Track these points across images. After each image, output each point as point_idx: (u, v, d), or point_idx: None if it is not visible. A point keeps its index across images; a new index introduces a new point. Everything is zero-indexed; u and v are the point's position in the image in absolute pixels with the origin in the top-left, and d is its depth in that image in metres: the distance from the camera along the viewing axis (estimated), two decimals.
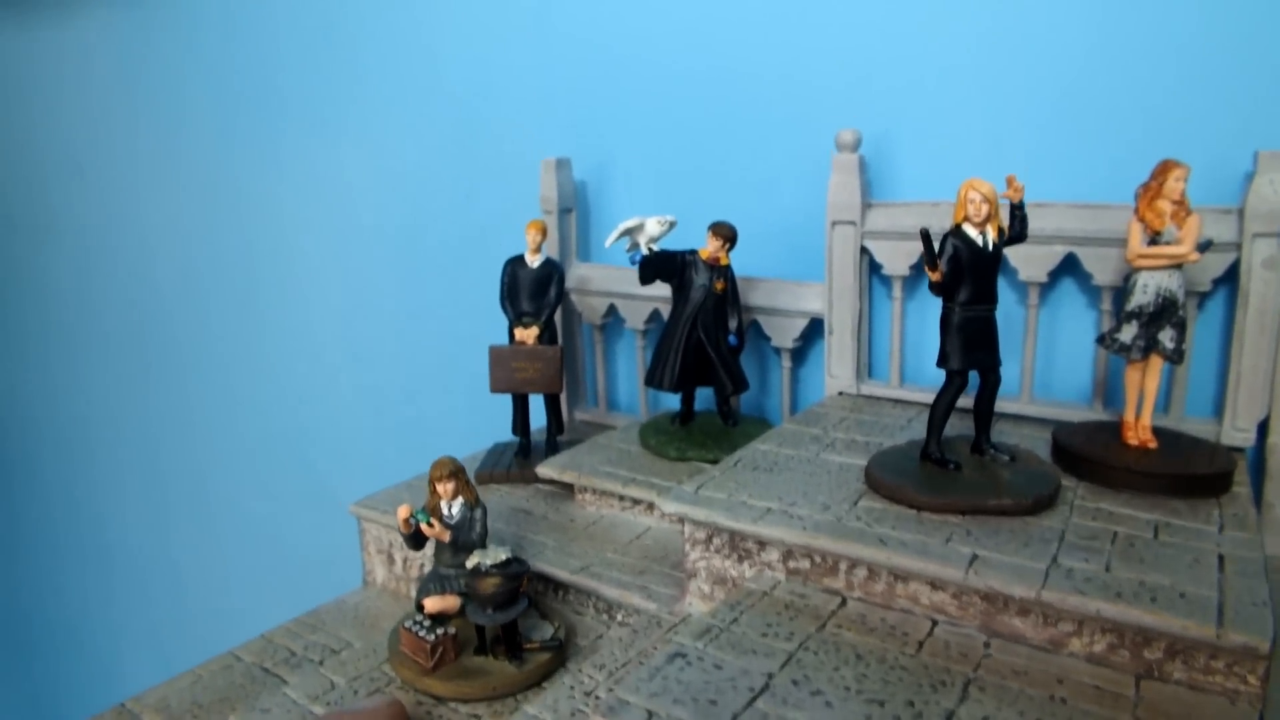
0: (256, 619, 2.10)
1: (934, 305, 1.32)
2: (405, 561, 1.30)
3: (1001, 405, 1.09)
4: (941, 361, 1.00)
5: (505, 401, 1.49)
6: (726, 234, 1.32)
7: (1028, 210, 1.01)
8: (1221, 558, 0.85)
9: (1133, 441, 1.06)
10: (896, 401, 1.34)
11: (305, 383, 2.33)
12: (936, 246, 0.96)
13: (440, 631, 0.99)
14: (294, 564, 2.47)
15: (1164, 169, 1.00)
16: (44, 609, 3.44)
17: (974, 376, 1.01)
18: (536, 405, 1.50)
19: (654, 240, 1.34)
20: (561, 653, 1.02)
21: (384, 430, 2.18)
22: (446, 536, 1.04)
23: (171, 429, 2.75)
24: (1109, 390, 1.23)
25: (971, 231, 0.96)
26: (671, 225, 1.34)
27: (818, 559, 0.91)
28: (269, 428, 2.46)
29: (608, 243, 1.34)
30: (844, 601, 0.89)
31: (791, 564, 0.93)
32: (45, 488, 3.28)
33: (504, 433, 1.55)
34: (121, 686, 3.10)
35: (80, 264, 2.86)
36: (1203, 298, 1.16)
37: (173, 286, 2.59)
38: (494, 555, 0.98)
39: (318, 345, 2.27)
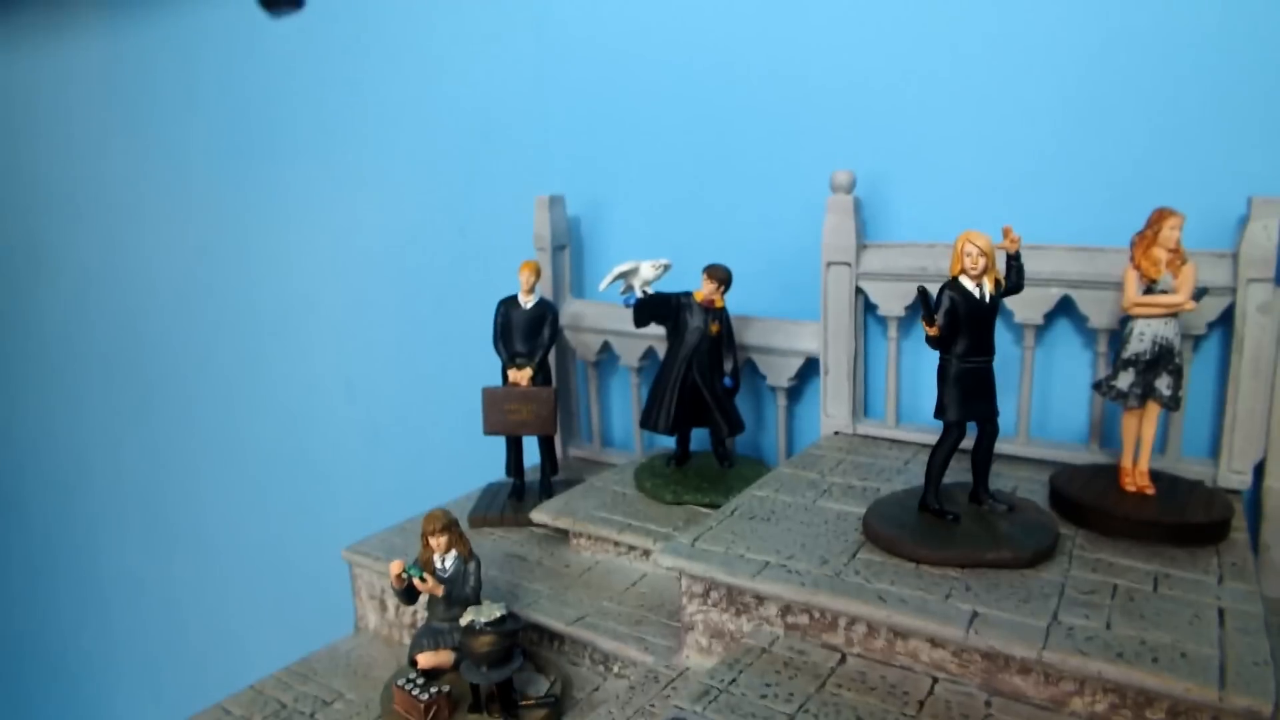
0: (252, 653, 2.09)
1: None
2: (398, 609, 1.29)
3: (998, 446, 1.08)
4: (939, 413, 0.99)
5: (500, 438, 1.48)
6: (721, 277, 1.31)
7: (1023, 254, 1.01)
8: (1222, 612, 0.84)
9: (1130, 488, 1.05)
10: (893, 442, 1.34)
11: (302, 418, 2.32)
12: (934, 301, 0.96)
13: (434, 690, 0.98)
14: (291, 597, 2.45)
15: (1159, 217, 1.00)
16: (36, 641, 3.41)
17: (971, 426, 1.01)
18: (530, 443, 1.49)
19: (648, 283, 1.34)
20: (558, 708, 1.01)
21: (381, 465, 2.17)
22: (440, 591, 1.03)
23: (168, 462, 2.74)
24: (1105, 431, 1.23)
25: (968, 284, 0.96)
26: (666, 268, 1.34)
27: (816, 614, 0.91)
28: (266, 461, 2.45)
29: (602, 286, 1.34)
30: (843, 658, 0.89)
31: (790, 619, 0.92)
32: (40, 520, 3.26)
33: (500, 469, 1.54)
34: None
35: (77, 295, 2.85)
36: (1198, 340, 1.16)
37: (170, 320, 2.58)
38: (488, 612, 0.97)
39: (315, 380, 2.26)
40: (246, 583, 2.61)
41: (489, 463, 1.56)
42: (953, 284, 0.96)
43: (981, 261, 0.94)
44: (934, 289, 0.97)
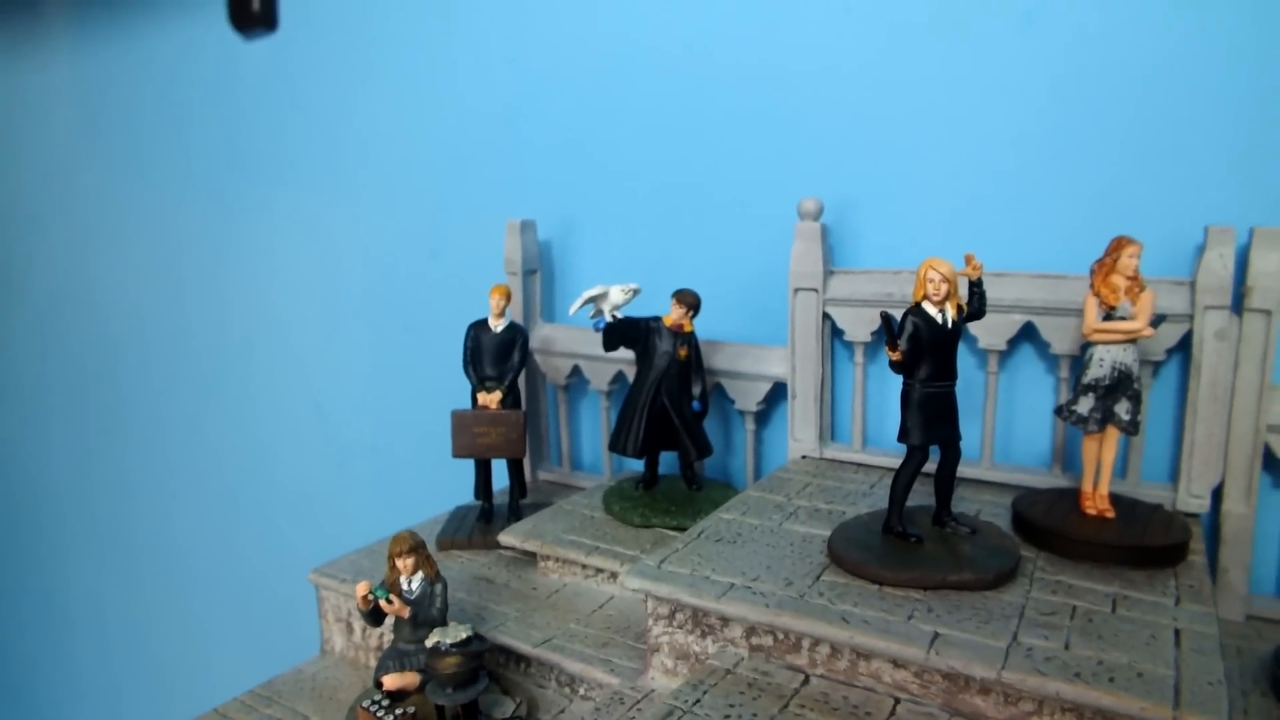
0: (215, 678, 2.06)
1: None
2: (364, 631, 1.28)
3: (962, 470, 1.09)
4: (902, 437, 1.00)
5: (469, 461, 1.48)
6: (690, 301, 1.33)
7: (986, 281, 1.02)
8: (1178, 633, 0.85)
9: (1091, 511, 1.07)
10: (859, 466, 1.35)
11: (270, 441, 2.30)
12: (896, 326, 0.97)
13: (400, 712, 0.97)
14: (255, 621, 2.43)
15: (1117, 245, 1.02)
16: None
17: (935, 450, 1.02)
18: (499, 466, 1.49)
19: (618, 307, 1.35)
20: None
21: (347, 489, 2.16)
22: (406, 613, 1.02)
23: (132, 484, 2.71)
24: (1068, 455, 1.25)
25: (931, 310, 0.97)
26: (635, 292, 1.35)
27: (780, 636, 0.91)
28: (232, 485, 2.43)
29: (572, 310, 1.35)
30: (807, 679, 0.89)
31: (754, 640, 0.93)
32: (1, 542, 3.21)
33: (468, 493, 1.54)
34: None
35: (44, 315, 2.83)
36: (1157, 366, 1.18)
37: (138, 342, 2.56)
38: (454, 634, 0.97)
39: (284, 402, 2.24)
40: (209, 606, 2.58)
41: (457, 486, 1.56)
42: (916, 310, 0.97)
43: (944, 288, 0.96)
44: (898, 314, 0.98)
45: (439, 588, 1.04)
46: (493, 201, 1.75)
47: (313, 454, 2.22)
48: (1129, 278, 1.02)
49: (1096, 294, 1.04)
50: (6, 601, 3.24)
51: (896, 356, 0.97)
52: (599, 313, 1.36)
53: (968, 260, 0.99)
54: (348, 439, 2.14)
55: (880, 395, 1.39)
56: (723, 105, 1.48)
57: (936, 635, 0.84)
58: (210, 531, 2.52)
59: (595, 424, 1.68)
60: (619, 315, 1.35)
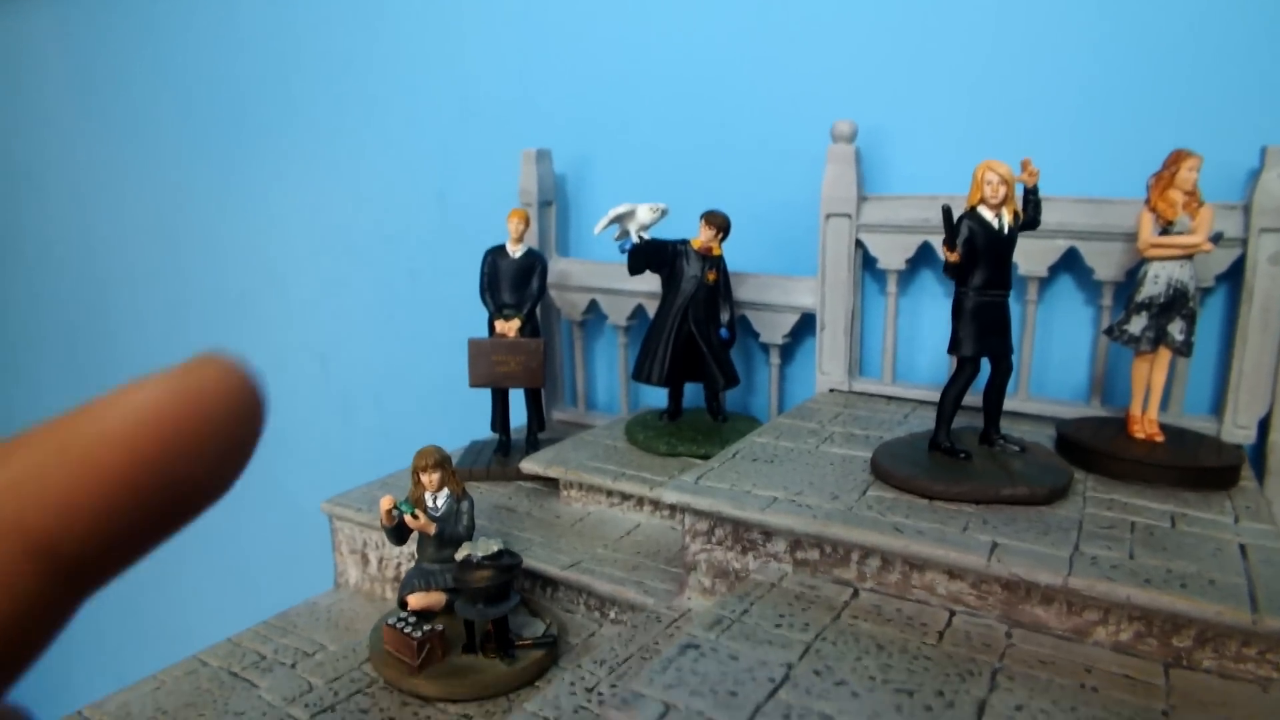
0: (214, 625, 2.01)
1: (928, 301, 1.32)
2: (381, 562, 1.25)
3: None
4: (953, 348, 0.97)
5: (475, 402, 1.44)
6: (720, 223, 1.28)
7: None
8: (1243, 547, 0.82)
9: (1139, 435, 1.04)
10: (890, 398, 1.31)
11: (276, 392, 2.25)
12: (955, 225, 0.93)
13: (427, 628, 0.93)
14: (253, 568, 2.39)
15: (1176, 159, 0.99)
16: None
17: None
18: (515, 401, 1.45)
19: (645, 228, 1.30)
20: (554, 650, 0.97)
21: (350, 432, 2.12)
22: (432, 529, 0.98)
23: None
24: (1107, 387, 1.21)
25: (987, 214, 0.93)
26: (663, 213, 1.31)
27: (828, 549, 0.88)
28: None
29: (597, 229, 1.30)
30: (856, 592, 0.86)
31: (799, 555, 0.89)
32: None
33: (472, 434, 1.50)
34: (71, 698, 3.00)
35: (32, 272, 2.77)
36: (1204, 294, 1.15)
37: (129, 295, 2.51)
38: (485, 547, 0.93)
39: (281, 353, 2.20)
40: (207, 553, 2.53)
41: (465, 425, 1.53)
42: (971, 213, 0.94)
43: (1002, 190, 0.92)
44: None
45: (465, 505, 1.00)
46: (504, 137, 1.70)
47: (315, 402, 2.17)
48: (1187, 192, 0.99)
49: (1153, 209, 1.00)
50: None
51: (954, 257, 0.93)
52: (625, 233, 1.31)
53: (1024, 166, 0.95)
54: (354, 388, 2.09)
55: (911, 328, 1.35)
56: (746, 34, 1.43)
57: (995, 545, 0.81)
58: None
59: (611, 361, 1.64)
60: (645, 236, 1.30)
